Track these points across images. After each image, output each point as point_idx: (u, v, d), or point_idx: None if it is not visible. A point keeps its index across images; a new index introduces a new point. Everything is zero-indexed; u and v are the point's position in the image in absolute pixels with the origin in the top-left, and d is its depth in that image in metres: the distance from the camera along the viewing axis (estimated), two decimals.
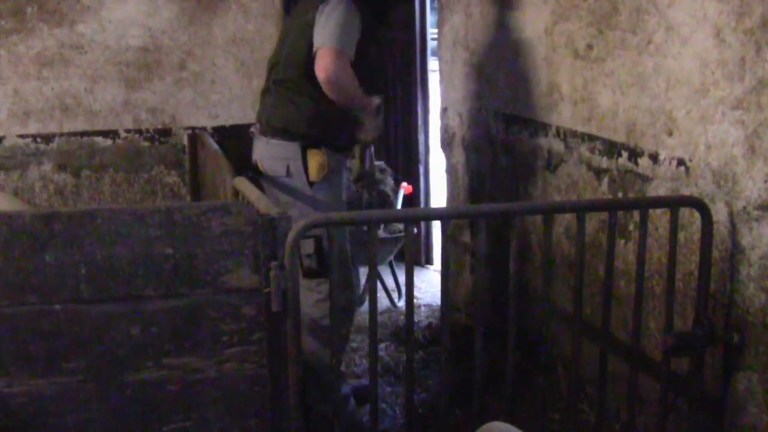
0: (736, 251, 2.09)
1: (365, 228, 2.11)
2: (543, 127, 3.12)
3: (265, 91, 3.14)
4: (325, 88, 2.80)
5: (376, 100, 3.02)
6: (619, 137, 2.59)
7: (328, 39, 2.78)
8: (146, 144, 4.33)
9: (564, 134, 2.95)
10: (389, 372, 3.48)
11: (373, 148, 3.29)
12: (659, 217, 2.39)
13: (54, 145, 4.22)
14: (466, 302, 4.12)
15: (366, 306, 2.54)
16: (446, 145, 4.31)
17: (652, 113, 2.41)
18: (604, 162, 2.70)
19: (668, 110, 2.33)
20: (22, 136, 4.19)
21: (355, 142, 3.13)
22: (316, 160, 2.91)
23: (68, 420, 1.79)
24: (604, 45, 2.64)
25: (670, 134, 2.33)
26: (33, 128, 4.19)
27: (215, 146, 3.74)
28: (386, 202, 4.58)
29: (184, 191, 4.39)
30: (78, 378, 1.78)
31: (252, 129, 4.42)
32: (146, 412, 1.83)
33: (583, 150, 2.82)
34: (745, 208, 2.05)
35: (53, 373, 1.77)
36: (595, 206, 2.53)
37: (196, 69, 4.33)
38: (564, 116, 2.95)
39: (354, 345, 3.77)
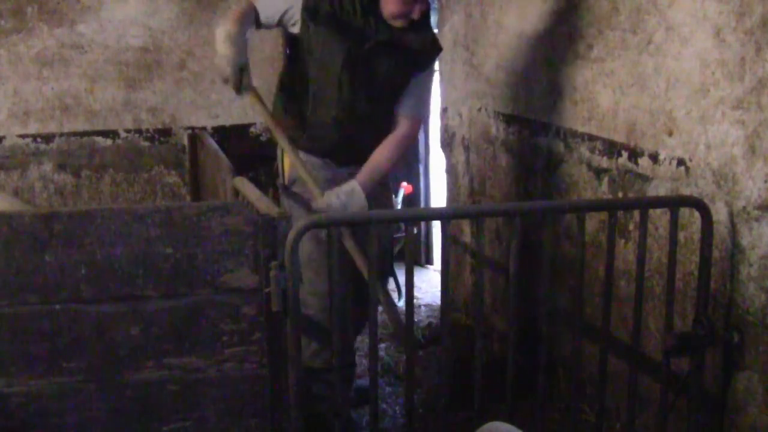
0: (736, 251, 2.09)
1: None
2: (543, 127, 3.11)
3: None
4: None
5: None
6: (619, 137, 2.59)
7: None
8: (146, 144, 4.34)
9: (564, 134, 2.95)
10: (389, 372, 3.48)
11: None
12: (659, 217, 2.39)
13: (54, 145, 4.22)
14: (466, 302, 4.11)
15: None
16: (446, 145, 4.31)
17: (652, 113, 2.41)
18: (604, 162, 2.70)
19: (668, 110, 2.33)
20: (22, 136, 4.19)
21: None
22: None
23: (68, 420, 1.79)
24: (604, 45, 2.64)
25: (670, 134, 2.33)
26: (33, 128, 4.19)
27: (215, 146, 3.74)
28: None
29: (184, 191, 4.40)
30: (78, 378, 1.78)
31: (251, 129, 4.44)
32: (146, 411, 1.82)
33: (583, 150, 2.82)
34: (745, 208, 2.04)
35: (53, 373, 1.77)
36: (595, 206, 2.52)
37: (196, 69, 4.33)
38: (564, 116, 2.94)
39: (354, 345, 3.77)
